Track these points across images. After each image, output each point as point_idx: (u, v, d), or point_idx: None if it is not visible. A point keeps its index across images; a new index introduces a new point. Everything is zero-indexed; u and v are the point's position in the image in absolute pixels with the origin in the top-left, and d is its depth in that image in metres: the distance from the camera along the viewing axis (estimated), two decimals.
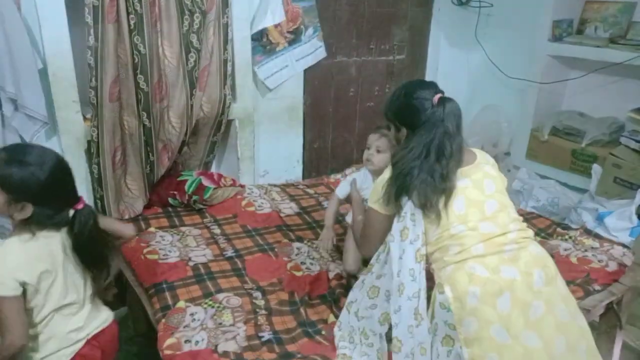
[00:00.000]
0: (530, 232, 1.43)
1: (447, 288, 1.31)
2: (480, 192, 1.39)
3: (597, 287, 1.95)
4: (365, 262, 1.86)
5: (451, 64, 3.31)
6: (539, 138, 3.01)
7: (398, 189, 1.37)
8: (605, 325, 2.20)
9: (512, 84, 3.07)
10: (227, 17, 2.28)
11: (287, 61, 2.65)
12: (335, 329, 1.65)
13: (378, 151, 1.80)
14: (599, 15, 2.85)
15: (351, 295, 1.65)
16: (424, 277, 1.37)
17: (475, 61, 3.23)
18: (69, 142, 2.12)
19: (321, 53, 2.76)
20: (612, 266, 2.06)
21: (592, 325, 2.21)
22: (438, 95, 1.41)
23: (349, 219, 2.00)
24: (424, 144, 1.36)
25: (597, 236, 2.25)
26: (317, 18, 2.68)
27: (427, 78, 3.37)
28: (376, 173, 1.76)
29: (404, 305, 1.36)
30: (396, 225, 1.41)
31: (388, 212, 1.42)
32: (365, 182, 1.87)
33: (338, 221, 2.23)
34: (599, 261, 2.09)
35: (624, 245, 2.20)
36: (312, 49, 2.72)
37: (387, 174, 1.42)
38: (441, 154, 1.35)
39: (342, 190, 1.96)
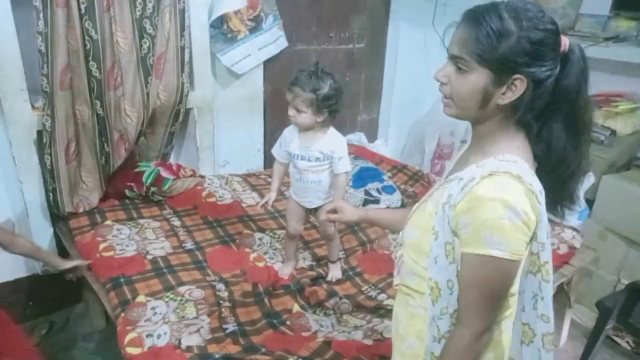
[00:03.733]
0: None
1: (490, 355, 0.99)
2: None
3: None
4: None
5: (410, 54, 3.35)
6: None
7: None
8: (555, 305, 2.31)
9: None
10: (184, 2, 2.21)
11: (249, 50, 2.59)
12: None
13: (298, 110, 1.67)
14: (549, 7, 2.94)
15: None
16: None
17: (433, 50, 3.28)
18: (16, 133, 2.01)
19: (282, 43, 2.72)
20: (563, 249, 2.17)
21: None
22: (566, 38, 0.90)
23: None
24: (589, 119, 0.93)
25: (548, 220, 2.35)
26: (276, 6, 2.64)
27: (387, 67, 3.40)
28: (304, 129, 1.73)
29: None
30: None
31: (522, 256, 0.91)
32: (292, 136, 1.78)
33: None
34: (551, 244, 2.18)
35: (573, 229, 2.31)
36: (273, 38, 2.67)
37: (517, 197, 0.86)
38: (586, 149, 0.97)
39: (274, 150, 1.87)
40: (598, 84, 2.63)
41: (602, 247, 2.39)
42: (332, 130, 1.77)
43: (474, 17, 0.89)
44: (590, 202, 2.48)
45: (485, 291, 0.90)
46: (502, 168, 0.87)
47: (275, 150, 1.87)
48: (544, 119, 0.92)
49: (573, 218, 2.44)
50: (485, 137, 0.96)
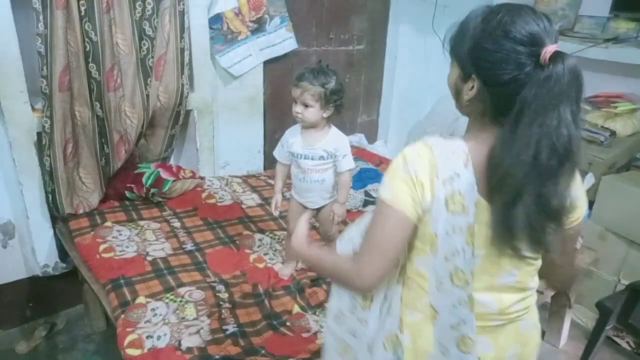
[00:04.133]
0: (533, 300, 1.06)
1: (406, 334, 1.01)
2: None
3: None
4: None
5: (409, 55, 3.36)
6: None
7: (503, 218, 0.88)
8: (556, 305, 2.32)
9: None
10: (184, 4, 2.22)
11: (250, 50, 2.60)
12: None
13: (305, 105, 1.68)
14: (549, 9, 2.94)
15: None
16: None
17: (433, 52, 3.29)
18: (16, 135, 2.01)
19: (291, 44, 2.72)
20: None
21: (544, 306, 2.33)
22: (553, 48, 0.83)
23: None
24: (538, 136, 0.83)
25: None
26: (285, 8, 2.64)
27: (386, 69, 3.40)
28: (308, 126, 1.74)
29: None
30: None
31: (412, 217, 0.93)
32: (294, 136, 1.79)
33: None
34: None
35: None
36: (279, 39, 2.67)
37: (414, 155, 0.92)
38: (564, 157, 0.85)
39: (276, 152, 1.88)
40: (597, 85, 2.67)
41: (602, 248, 2.39)
42: (334, 128, 1.78)
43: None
44: (590, 203, 2.48)
45: (370, 234, 0.97)
46: (427, 138, 0.95)
47: (277, 152, 1.87)
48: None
49: None
50: (468, 129, 1.01)
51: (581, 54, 2.55)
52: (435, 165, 0.90)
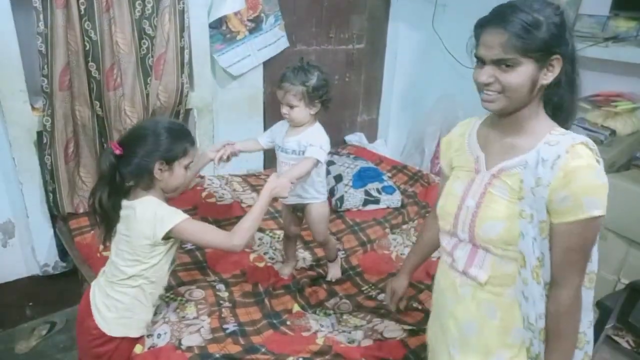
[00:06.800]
0: None
1: None
2: None
3: None
4: None
5: (409, 54, 3.35)
6: None
7: None
8: None
9: (468, 74, 3.11)
10: (183, 3, 2.22)
11: (248, 51, 2.60)
12: None
13: (291, 106, 1.68)
14: None
15: None
16: None
17: (433, 51, 3.29)
18: (16, 134, 2.01)
19: (283, 44, 2.73)
20: None
21: None
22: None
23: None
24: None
25: None
26: (278, 6, 2.64)
27: (386, 68, 3.41)
28: (297, 125, 1.73)
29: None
30: None
31: None
32: (282, 129, 1.78)
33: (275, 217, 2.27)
34: None
35: None
36: (273, 39, 2.69)
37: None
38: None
39: (261, 138, 1.88)
40: (597, 84, 2.66)
41: (602, 247, 2.37)
42: (317, 125, 1.75)
43: (502, 19, 0.99)
44: None
45: (584, 251, 1.04)
46: (577, 140, 1.00)
47: (263, 134, 1.88)
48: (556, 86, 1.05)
49: None
50: (527, 118, 1.06)
51: (581, 53, 2.53)
52: (597, 153, 1.01)
